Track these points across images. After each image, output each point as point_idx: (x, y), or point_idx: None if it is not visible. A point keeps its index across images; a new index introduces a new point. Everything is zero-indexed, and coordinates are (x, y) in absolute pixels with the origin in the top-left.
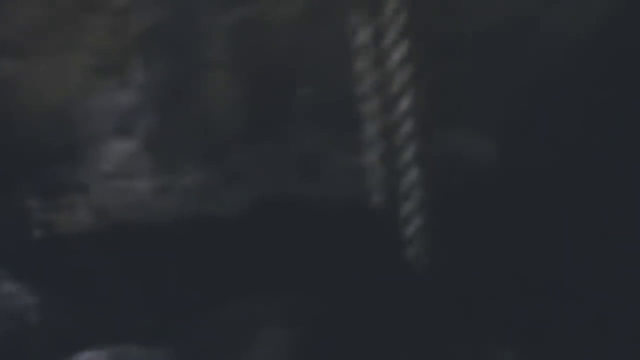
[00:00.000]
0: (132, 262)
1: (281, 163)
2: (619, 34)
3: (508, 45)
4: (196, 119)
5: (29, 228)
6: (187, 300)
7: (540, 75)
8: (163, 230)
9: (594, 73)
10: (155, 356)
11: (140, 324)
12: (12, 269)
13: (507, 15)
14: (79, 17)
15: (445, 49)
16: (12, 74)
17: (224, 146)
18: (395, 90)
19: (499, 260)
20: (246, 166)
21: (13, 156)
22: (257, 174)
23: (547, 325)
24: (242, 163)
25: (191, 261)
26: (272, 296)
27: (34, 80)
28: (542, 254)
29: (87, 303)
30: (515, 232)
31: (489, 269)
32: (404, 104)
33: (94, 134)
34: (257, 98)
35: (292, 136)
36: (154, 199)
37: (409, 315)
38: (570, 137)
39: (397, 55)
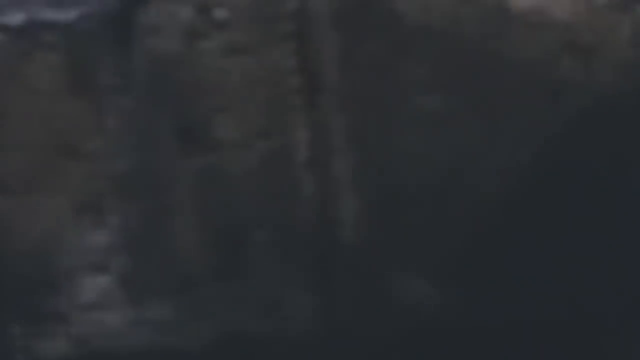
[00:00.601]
0: None
1: (242, 300)
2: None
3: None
4: (165, 257)
5: (10, 353)
6: None
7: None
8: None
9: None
10: None
11: None
12: None
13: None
14: (56, 161)
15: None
16: None
17: (190, 283)
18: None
19: None
20: (210, 303)
21: None
22: (220, 310)
23: None
24: (207, 300)
25: None
26: None
27: (16, 218)
28: None
29: None
30: None
31: None
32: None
33: (72, 269)
34: (220, 239)
35: (253, 275)
36: (126, 330)
37: None
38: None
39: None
